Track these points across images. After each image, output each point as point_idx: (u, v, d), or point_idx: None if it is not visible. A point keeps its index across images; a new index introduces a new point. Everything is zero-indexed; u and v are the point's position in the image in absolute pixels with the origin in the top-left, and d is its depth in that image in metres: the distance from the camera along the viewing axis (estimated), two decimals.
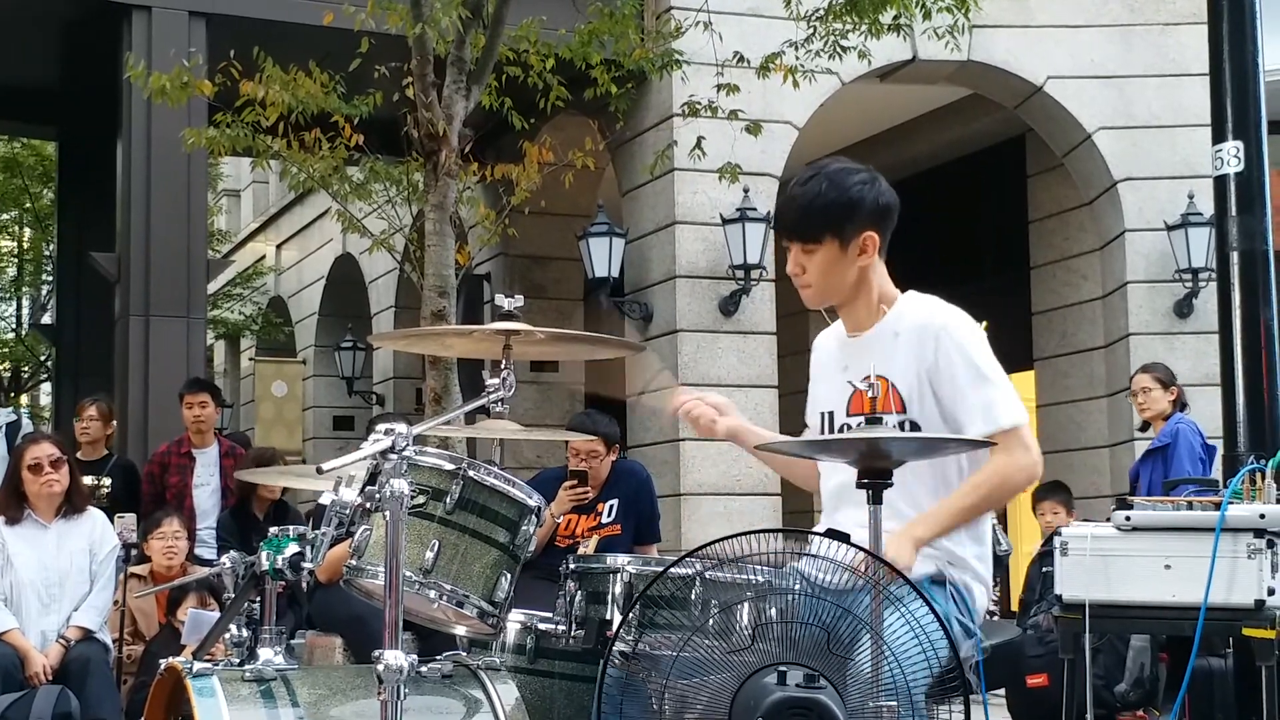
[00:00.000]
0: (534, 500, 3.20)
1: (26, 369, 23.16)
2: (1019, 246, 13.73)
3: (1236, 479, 4.15)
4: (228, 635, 3.30)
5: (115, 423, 8.75)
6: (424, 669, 3.07)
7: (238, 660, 3.21)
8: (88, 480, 7.14)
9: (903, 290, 3.33)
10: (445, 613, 3.19)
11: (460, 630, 3.31)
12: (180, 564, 7.04)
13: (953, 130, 13.78)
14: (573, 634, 3.20)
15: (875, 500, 2.82)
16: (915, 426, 3.11)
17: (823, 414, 3.32)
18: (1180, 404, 8.10)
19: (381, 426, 2.85)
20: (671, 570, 2.87)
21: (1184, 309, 11.42)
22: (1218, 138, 5.23)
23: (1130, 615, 4.16)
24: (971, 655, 3.02)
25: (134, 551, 7.03)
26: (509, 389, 3.15)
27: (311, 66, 8.89)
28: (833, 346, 3.39)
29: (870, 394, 2.91)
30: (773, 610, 2.73)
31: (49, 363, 20.27)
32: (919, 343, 3.16)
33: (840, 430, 3.21)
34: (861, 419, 3.11)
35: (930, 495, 3.12)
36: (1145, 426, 8.28)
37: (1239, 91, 5.20)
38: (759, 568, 2.82)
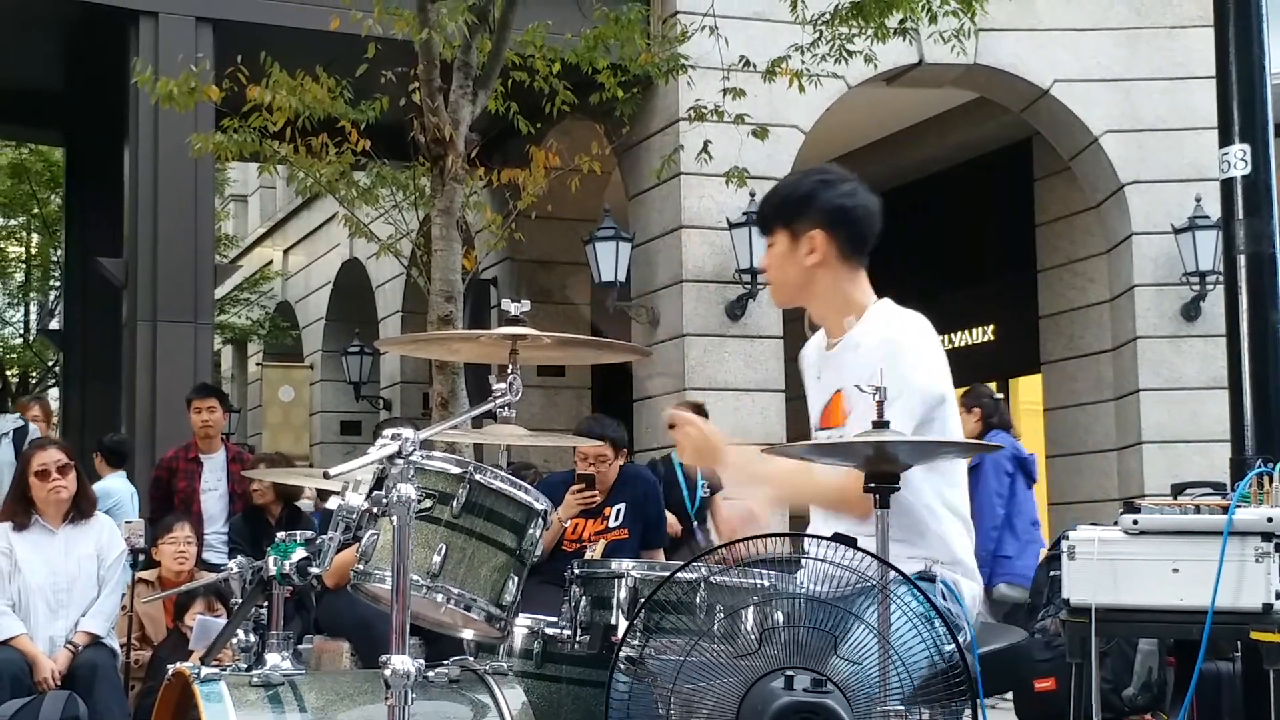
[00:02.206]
0: (541, 504, 3.20)
1: (34, 374, 23.21)
2: (1026, 250, 13.73)
3: (1244, 482, 4.14)
4: (235, 640, 3.30)
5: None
6: (431, 674, 3.07)
7: (245, 665, 3.22)
8: None
9: (904, 298, 3.31)
10: (452, 617, 3.19)
11: (467, 634, 3.31)
12: (189, 569, 7.04)
13: (959, 134, 13.78)
14: (578, 639, 3.20)
15: (882, 505, 2.82)
16: None
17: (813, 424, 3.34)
18: (995, 424, 8.05)
19: (388, 431, 2.85)
20: (677, 575, 2.87)
21: (1191, 312, 11.41)
22: (1224, 141, 5.22)
23: (1138, 619, 4.15)
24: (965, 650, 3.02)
25: (141, 557, 7.04)
26: (516, 393, 3.15)
27: (318, 72, 8.90)
28: (811, 358, 3.40)
29: (877, 398, 2.90)
30: (779, 614, 2.73)
31: (57, 368, 20.33)
32: (870, 356, 3.06)
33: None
34: (830, 432, 3.15)
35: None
36: None
37: (1246, 94, 5.19)
38: (764, 572, 2.82)
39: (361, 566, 3.08)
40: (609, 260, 11.58)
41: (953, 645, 2.71)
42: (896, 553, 3.05)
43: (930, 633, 2.67)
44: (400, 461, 2.79)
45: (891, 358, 3.01)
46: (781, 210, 3.22)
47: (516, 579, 3.14)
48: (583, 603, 3.23)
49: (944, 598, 3.09)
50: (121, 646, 6.57)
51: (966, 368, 9.39)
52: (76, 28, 11.25)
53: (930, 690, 2.70)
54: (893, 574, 2.74)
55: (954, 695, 2.68)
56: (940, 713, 2.71)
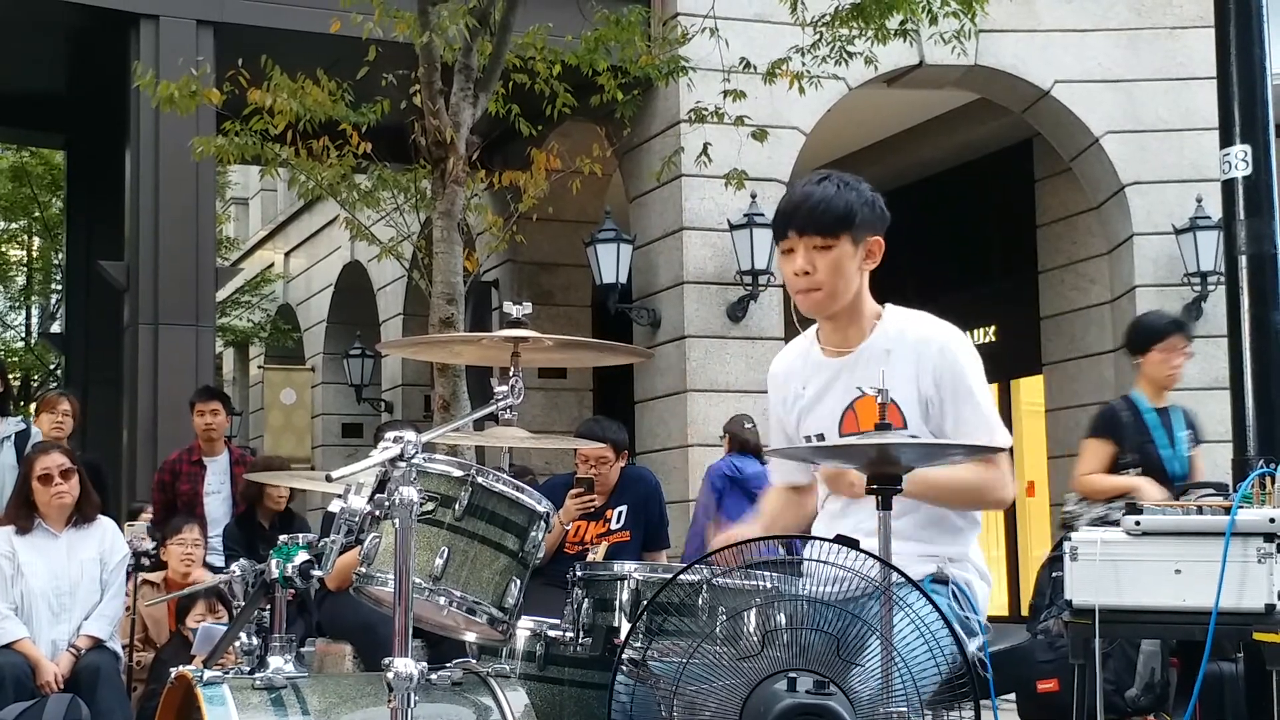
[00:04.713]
0: (543, 506, 3.20)
1: (36, 377, 23.21)
2: (1027, 251, 13.73)
3: (1246, 483, 4.14)
4: (238, 643, 3.30)
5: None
6: (434, 676, 3.07)
7: (248, 668, 3.22)
8: None
9: (905, 299, 3.32)
10: (455, 620, 3.19)
11: (470, 637, 3.31)
12: (195, 572, 7.02)
13: (960, 135, 13.78)
14: (580, 641, 3.20)
15: (884, 506, 2.82)
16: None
17: (808, 438, 3.28)
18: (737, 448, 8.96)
19: (390, 434, 2.85)
20: (679, 577, 2.86)
21: (1193, 313, 11.40)
22: (1225, 141, 5.22)
23: (1140, 620, 4.14)
24: (977, 655, 3.02)
25: (145, 560, 7.03)
26: (517, 396, 3.15)
27: (319, 74, 8.91)
28: (799, 370, 3.33)
29: (880, 399, 2.90)
30: (781, 616, 2.73)
31: (58, 371, 20.33)
32: (918, 359, 3.15)
33: None
34: (859, 438, 3.11)
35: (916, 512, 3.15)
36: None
37: (1246, 95, 5.19)
38: (767, 574, 2.82)
39: (364, 569, 3.09)
40: (610, 262, 11.58)
41: (960, 653, 2.71)
42: (910, 550, 3.07)
43: (936, 642, 2.67)
44: (402, 464, 2.79)
45: (960, 364, 3.14)
46: (851, 215, 3.15)
47: (519, 582, 3.14)
48: (585, 605, 3.23)
49: (956, 600, 3.10)
50: (124, 648, 6.57)
51: None
52: (77, 31, 11.26)
53: (937, 694, 2.70)
54: (902, 579, 2.74)
55: (960, 699, 2.68)
56: (945, 715, 2.71)
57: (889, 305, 3.28)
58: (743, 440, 9.00)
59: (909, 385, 3.14)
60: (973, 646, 2.99)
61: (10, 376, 8.82)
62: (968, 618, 3.09)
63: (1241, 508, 3.98)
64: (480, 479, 3.11)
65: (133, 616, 6.71)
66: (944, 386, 3.13)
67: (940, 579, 3.10)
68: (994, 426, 3.14)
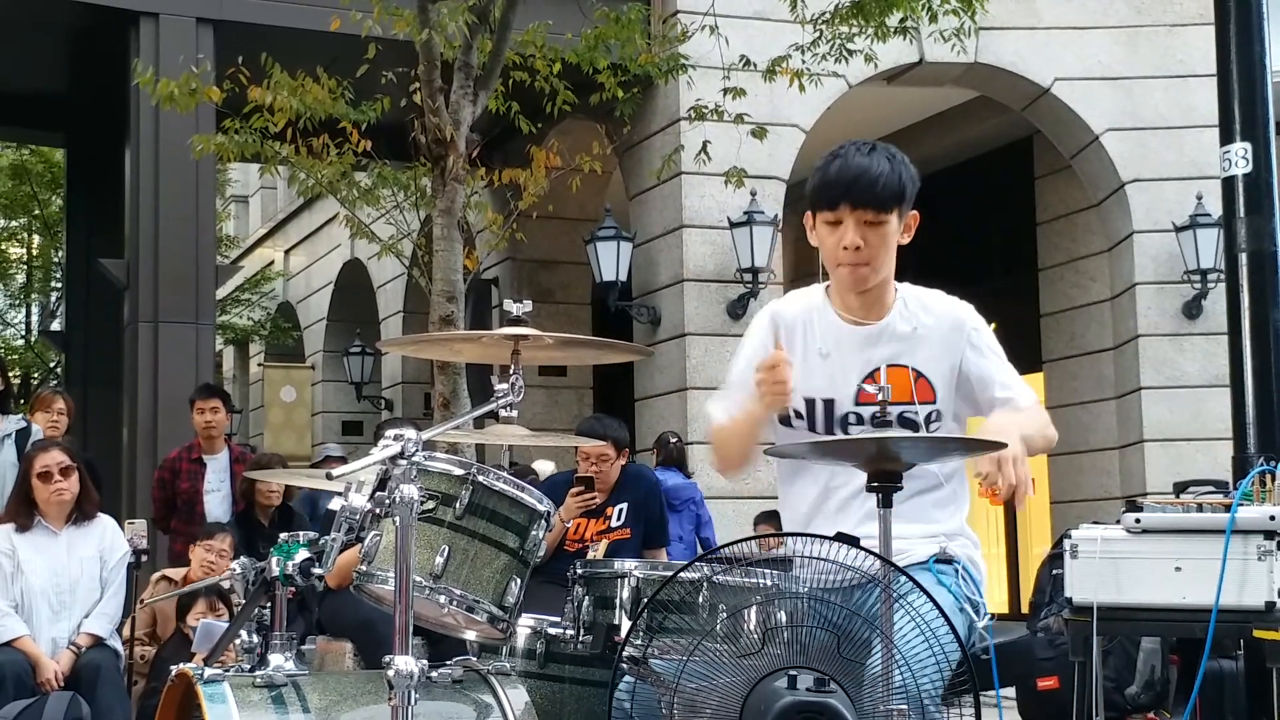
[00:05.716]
0: (544, 505, 3.20)
1: (36, 376, 23.21)
2: (1027, 248, 13.73)
3: (1246, 480, 4.14)
4: (238, 641, 3.30)
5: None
6: (434, 674, 3.07)
7: (249, 666, 3.22)
8: None
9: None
10: (455, 618, 3.19)
11: (470, 635, 3.32)
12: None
13: (960, 132, 13.78)
14: (581, 639, 3.20)
15: (885, 504, 2.82)
16: (941, 415, 3.14)
17: (813, 400, 3.19)
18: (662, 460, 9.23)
19: (391, 432, 2.84)
20: (680, 575, 2.87)
21: (1193, 310, 11.41)
22: (1225, 139, 5.22)
23: (1140, 618, 4.14)
24: (982, 638, 3.02)
25: (144, 558, 7.01)
26: (518, 394, 3.15)
27: (319, 72, 8.90)
28: (816, 329, 3.24)
29: (880, 397, 2.90)
30: (781, 614, 2.73)
31: (58, 369, 20.33)
32: (948, 337, 3.21)
33: (845, 419, 3.15)
34: (872, 408, 3.07)
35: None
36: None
37: (1246, 92, 5.19)
38: (767, 571, 2.82)
39: (364, 567, 3.09)
40: (610, 260, 11.59)
41: (960, 649, 2.71)
42: (916, 532, 3.07)
43: (936, 639, 2.67)
44: (403, 462, 2.79)
45: (989, 338, 3.29)
46: (904, 191, 3.15)
47: (519, 580, 3.14)
48: (585, 603, 3.23)
49: (964, 581, 3.09)
50: (125, 643, 6.57)
51: None
52: (77, 30, 11.26)
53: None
54: (903, 576, 2.74)
55: (960, 694, 2.68)
56: (945, 711, 2.71)
57: (903, 284, 3.30)
58: (668, 453, 9.39)
59: (941, 362, 3.18)
60: (975, 630, 3.00)
61: (10, 374, 8.80)
62: (973, 599, 3.08)
63: (1242, 505, 3.98)
64: (481, 478, 3.11)
65: (134, 614, 6.70)
66: (975, 362, 3.23)
67: (945, 559, 3.10)
68: (1023, 384, 3.28)
